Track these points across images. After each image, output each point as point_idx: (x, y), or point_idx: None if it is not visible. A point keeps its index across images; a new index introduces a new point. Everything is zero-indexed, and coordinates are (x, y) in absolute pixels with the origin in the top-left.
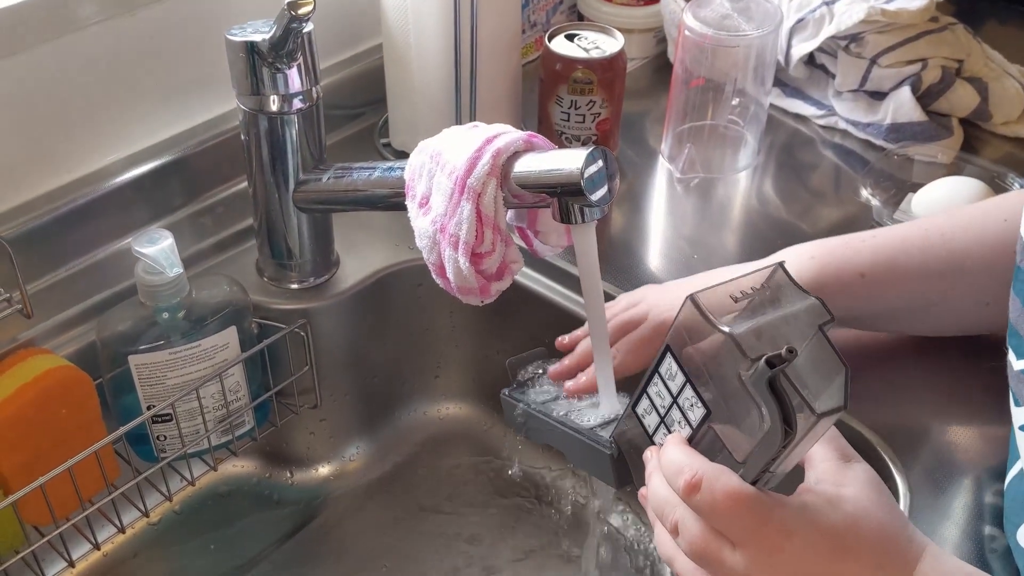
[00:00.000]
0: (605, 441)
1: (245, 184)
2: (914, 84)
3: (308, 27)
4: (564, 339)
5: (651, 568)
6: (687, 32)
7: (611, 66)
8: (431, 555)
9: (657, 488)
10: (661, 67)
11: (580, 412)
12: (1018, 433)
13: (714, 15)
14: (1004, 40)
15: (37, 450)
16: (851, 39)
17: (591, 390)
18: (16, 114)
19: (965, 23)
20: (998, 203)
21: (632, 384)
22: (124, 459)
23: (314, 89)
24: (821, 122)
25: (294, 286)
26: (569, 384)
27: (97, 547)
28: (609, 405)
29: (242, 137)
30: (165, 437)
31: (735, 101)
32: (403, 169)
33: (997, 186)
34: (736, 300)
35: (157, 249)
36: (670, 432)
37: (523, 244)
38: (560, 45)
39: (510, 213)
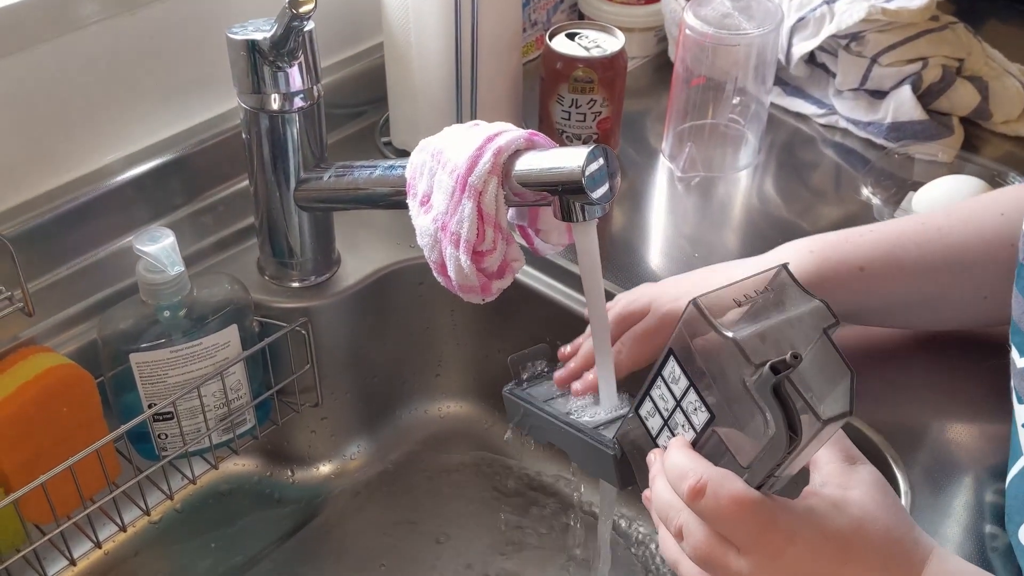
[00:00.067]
0: (608, 441)
1: (246, 183)
2: (915, 83)
3: (309, 25)
4: (566, 349)
5: (657, 570)
6: (688, 31)
7: (612, 65)
8: (431, 554)
9: (661, 492)
10: (662, 66)
11: (583, 410)
12: (1020, 431)
13: (715, 14)
14: (1004, 39)
15: (38, 448)
16: (852, 38)
17: (578, 375)
18: (17, 113)
19: (965, 22)
20: (995, 197)
21: (635, 383)
22: (125, 457)
23: (315, 88)
24: (822, 121)
25: (295, 284)
26: (576, 385)
27: (98, 545)
28: (609, 403)
29: (243, 136)
30: (166, 435)
31: (736, 100)
32: (404, 167)
33: (998, 185)
34: (739, 303)
35: (158, 247)
36: (673, 435)
37: (524, 242)
38: (561, 44)
39: (511, 211)
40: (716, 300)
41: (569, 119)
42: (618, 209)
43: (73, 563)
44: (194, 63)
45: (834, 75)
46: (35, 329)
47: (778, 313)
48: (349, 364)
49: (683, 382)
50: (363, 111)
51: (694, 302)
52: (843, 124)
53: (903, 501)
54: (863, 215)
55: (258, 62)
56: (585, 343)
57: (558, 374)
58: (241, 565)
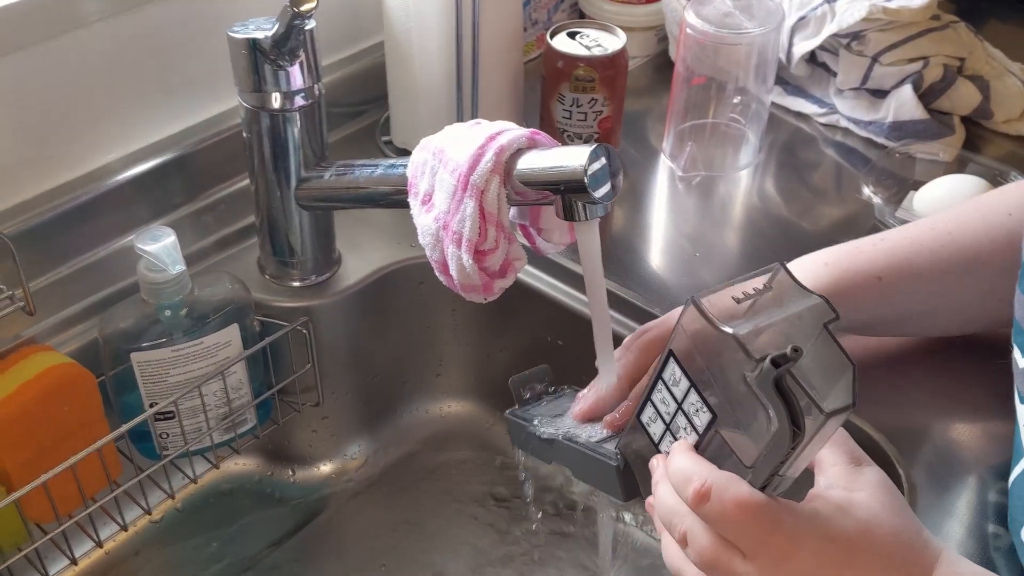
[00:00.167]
0: (610, 453)
1: (246, 182)
2: (916, 82)
3: (310, 24)
4: (583, 392)
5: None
6: (689, 30)
7: (613, 64)
8: (432, 553)
9: (664, 497)
10: (662, 65)
11: (584, 427)
12: (1023, 431)
13: (716, 13)
14: (1005, 38)
15: (40, 447)
16: (853, 37)
17: (599, 411)
18: (18, 112)
19: (966, 21)
20: (1001, 197)
21: None
22: (127, 456)
23: (316, 86)
24: (823, 120)
25: (296, 284)
26: (576, 409)
27: (100, 544)
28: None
29: (244, 134)
30: (167, 435)
31: (736, 99)
32: (405, 166)
33: (999, 184)
34: (739, 301)
35: (159, 246)
36: (676, 438)
37: (526, 242)
38: (562, 43)
39: (513, 210)
40: (715, 299)
41: (570, 118)
42: (619, 208)
43: (74, 562)
44: (195, 62)
45: (835, 74)
46: (36, 328)
47: (778, 310)
48: (350, 363)
49: (684, 383)
50: (363, 110)
51: (693, 300)
52: (844, 123)
53: (906, 500)
54: (864, 214)
55: (259, 61)
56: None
57: (578, 408)
58: (242, 564)
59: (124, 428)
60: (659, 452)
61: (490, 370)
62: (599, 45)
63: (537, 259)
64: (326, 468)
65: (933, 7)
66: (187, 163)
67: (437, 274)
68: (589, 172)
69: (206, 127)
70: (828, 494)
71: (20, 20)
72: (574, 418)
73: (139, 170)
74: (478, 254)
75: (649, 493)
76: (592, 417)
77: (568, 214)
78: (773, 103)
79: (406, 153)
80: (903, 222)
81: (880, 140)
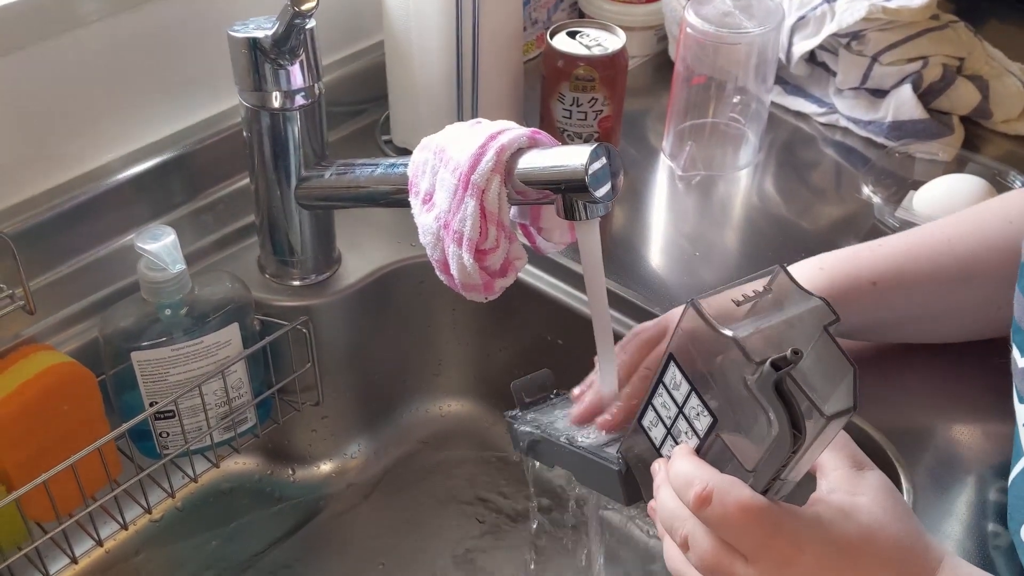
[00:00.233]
0: (612, 457)
1: (246, 181)
2: (915, 82)
3: (311, 23)
4: (576, 391)
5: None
6: (688, 30)
7: (613, 63)
8: (431, 553)
9: (666, 501)
10: (662, 65)
11: (586, 430)
12: (1022, 430)
13: (715, 12)
14: (1005, 38)
15: (40, 446)
16: (852, 37)
17: (597, 413)
18: (18, 111)
19: (966, 21)
20: (1001, 204)
21: None
22: (127, 456)
23: (316, 85)
24: (822, 120)
25: (296, 283)
26: (574, 412)
27: (100, 543)
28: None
29: (244, 134)
30: (167, 434)
31: (736, 99)
32: (406, 166)
33: (998, 183)
34: (738, 304)
35: (160, 245)
36: (677, 443)
37: (526, 241)
38: (562, 42)
39: (513, 210)
40: (715, 302)
41: (570, 117)
42: (619, 208)
43: (75, 561)
44: (195, 61)
45: (835, 74)
46: (36, 327)
47: (778, 312)
48: (350, 363)
49: (684, 387)
50: (363, 109)
51: (693, 303)
52: (844, 123)
53: (906, 501)
54: (863, 214)
55: (259, 60)
56: (594, 381)
57: (576, 411)
58: (242, 563)
59: (124, 427)
60: (661, 456)
61: (490, 369)
62: (599, 45)
63: (537, 258)
64: (326, 467)
65: (932, 7)
66: (187, 162)
67: (438, 273)
68: (590, 171)
69: (206, 126)
70: (830, 498)
71: (19, 20)
72: (571, 420)
73: (139, 169)
74: (479, 253)
75: (651, 497)
76: (591, 418)
77: (569, 213)
78: (773, 103)
79: (406, 152)
80: (903, 221)
81: (879, 140)
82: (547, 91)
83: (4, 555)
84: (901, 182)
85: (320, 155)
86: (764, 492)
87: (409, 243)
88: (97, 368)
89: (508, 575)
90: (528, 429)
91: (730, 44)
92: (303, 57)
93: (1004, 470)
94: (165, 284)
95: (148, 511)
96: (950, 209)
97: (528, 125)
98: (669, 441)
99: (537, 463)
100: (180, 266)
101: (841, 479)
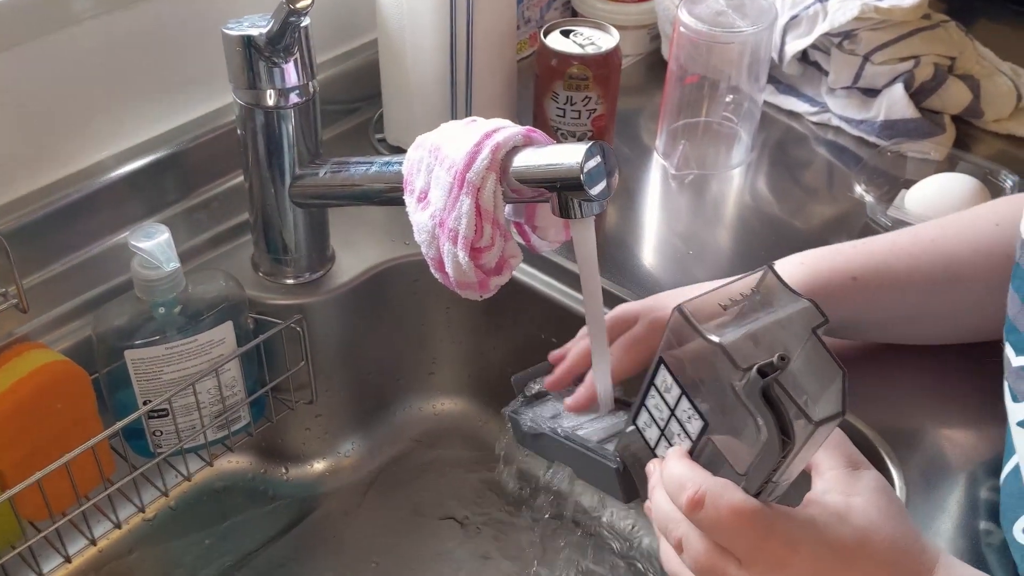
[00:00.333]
0: (610, 455)
1: (240, 179)
2: (907, 81)
3: (305, 21)
4: (555, 353)
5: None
6: (682, 29)
7: (607, 62)
8: (425, 551)
9: (660, 503)
10: (655, 64)
11: (586, 426)
12: (1015, 429)
13: (709, 12)
14: (996, 38)
15: (33, 446)
16: (844, 36)
17: (592, 401)
18: (11, 109)
19: (957, 21)
20: (990, 207)
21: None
22: (120, 455)
23: (311, 84)
24: (814, 119)
25: (290, 281)
26: (568, 400)
27: (93, 542)
28: (607, 404)
29: (238, 132)
30: (161, 432)
31: (729, 98)
32: (400, 164)
33: (990, 183)
34: (725, 308)
35: (154, 244)
36: (671, 444)
37: (521, 240)
38: (556, 41)
39: (508, 208)
40: (702, 305)
41: (564, 116)
42: (612, 206)
43: (68, 560)
44: (189, 59)
45: (827, 73)
46: (29, 326)
47: (766, 315)
48: (344, 361)
49: (675, 391)
50: (357, 108)
51: (679, 308)
52: (836, 122)
53: (901, 500)
54: (856, 213)
55: (254, 58)
56: (575, 346)
57: (549, 379)
58: (235, 562)
59: (118, 426)
60: (656, 456)
61: (484, 368)
62: (593, 43)
63: (532, 257)
64: (319, 466)
65: (924, 6)
66: (181, 160)
67: (432, 271)
68: (585, 169)
69: (200, 124)
70: (825, 499)
71: (13, 17)
72: (565, 408)
73: (133, 167)
74: (474, 251)
75: (648, 496)
76: (583, 409)
77: (564, 211)
78: (765, 102)
79: (400, 151)
80: (895, 220)
81: (871, 139)
82: (540, 90)
83: None
84: (893, 181)
85: (314, 153)
86: (757, 494)
87: (403, 241)
88: (90, 366)
89: (502, 573)
90: (528, 423)
91: (723, 43)
92: (297, 55)
93: (995, 468)
94: (159, 282)
95: (142, 510)
96: (942, 208)
97: (522, 124)
98: (663, 442)
99: (524, 452)
100: (174, 264)
101: (836, 479)
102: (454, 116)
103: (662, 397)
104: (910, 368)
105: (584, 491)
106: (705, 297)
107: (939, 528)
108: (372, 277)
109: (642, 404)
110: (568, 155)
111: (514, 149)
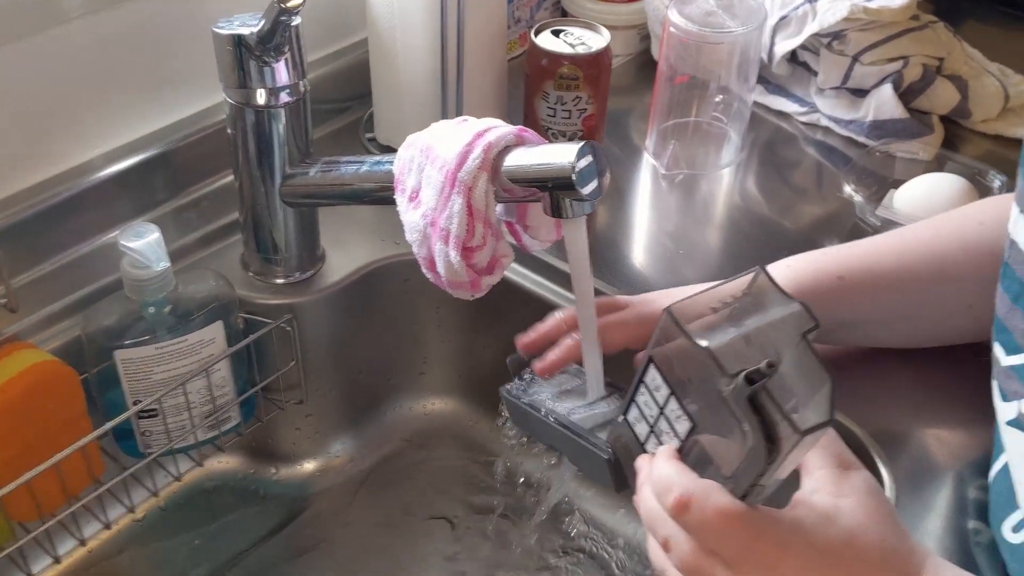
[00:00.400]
0: (603, 444)
1: (230, 178)
2: (895, 81)
3: (296, 20)
4: (525, 339)
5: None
6: (672, 29)
7: (597, 62)
8: (416, 551)
9: (648, 501)
10: (645, 64)
11: (581, 411)
12: (1004, 428)
13: (698, 12)
14: (983, 38)
15: (22, 446)
16: (833, 36)
17: (558, 367)
18: (0, 107)
19: (945, 21)
20: (977, 207)
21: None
22: (109, 455)
23: (301, 83)
24: (803, 119)
25: (280, 281)
26: (537, 363)
27: (83, 543)
28: (596, 395)
29: (228, 131)
30: (151, 432)
31: (719, 98)
32: (391, 163)
33: (978, 183)
34: (716, 310)
35: (144, 243)
36: (660, 442)
37: (512, 239)
38: (546, 41)
39: (499, 207)
40: (691, 306)
41: (555, 116)
42: (602, 206)
43: (57, 560)
44: (179, 58)
45: (816, 74)
46: (19, 325)
47: (756, 319)
48: (334, 361)
49: (664, 390)
50: (347, 107)
51: (668, 310)
52: (825, 122)
53: (890, 500)
54: (845, 212)
55: (244, 57)
56: (566, 339)
57: (539, 365)
58: (225, 562)
59: (108, 426)
60: (645, 452)
61: (475, 368)
62: (583, 43)
63: (522, 257)
64: (310, 466)
65: (913, 7)
66: (171, 159)
67: (424, 271)
68: (577, 169)
69: (190, 123)
70: (812, 500)
71: (1, 16)
72: (535, 371)
73: (123, 166)
74: (466, 251)
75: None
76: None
77: (555, 211)
78: (755, 102)
79: (390, 150)
80: (884, 220)
81: (860, 139)
82: (531, 90)
83: None
84: (882, 181)
85: (305, 152)
86: (745, 496)
87: (393, 241)
88: (80, 367)
89: (493, 573)
90: (525, 405)
91: (713, 43)
92: (288, 54)
93: (984, 468)
94: (149, 282)
95: (131, 510)
96: (930, 207)
97: (512, 123)
98: (652, 438)
99: (519, 433)
100: (164, 264)
101: (825, 479)
102: (444, 115)
103: (651, 395)
104: (899, 368)
105: (577, 490)
106: (695, 298)
107: (928, 527)
108: (362, 277)
109: (632, 400)
110: (560, 155)
111: (506, 149)
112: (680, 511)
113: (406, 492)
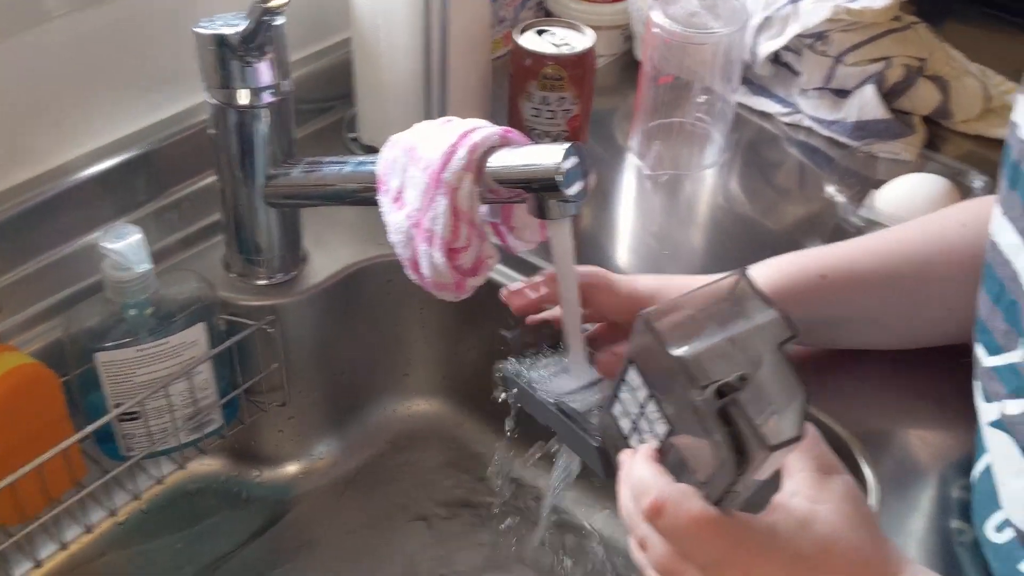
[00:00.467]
0: (595, 431)
1: (212, 179)
2: (878, 82)
3: (280, 20)
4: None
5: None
6: (655, 29)
7: (581, 62)
8: (399, 554)
9: (625, 501)
10: (628, 64)
11: (578, 394)
12: (986, 428)
13: (682, 12)
14: (965, 39)
15: (3, 449)
16: (816, 37)
17: (531, 309)
18: None
19: (927, 22)
20: (959, 208)
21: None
22: (91, 457)
23: (284, 83)
24: (786, 119)
25: (262, 282)
26: (503, 291)
27: (64, 547)
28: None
29: (210, 131)
30: (133, 435)
31: (702, 98)
32: (374, 164)
33: (959, 183)
34: (694, 316)
35: (125, 245)
36: (642, 439)
37: (497, 240)
38: (530, 41)
39: (484, 208)
40: (668, 314)
41: (539, 116)
42: (587, 206)
43: (38, 564)
44: (161, 57)
45: (799, 74)
46: None
47: (733, 326)
48: (317, 363)
49: (644, 391)
50: (330, 107)
51: (643, 317)
52: (807, 123)
53: (871, 498)
54: (827, 212)
55: (227, 57)
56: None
57: (518, 303)
58: (208, 565)
59: (89, 429)
60: (629, 446)
61: (459, 369)
62: (567, 43)
63: (506, 258)
64: (293, 468)
65: (895, 8)
66: (152, 159)
67: (407, 272)
68: (562, 170)
69: (172, 123)
70: (790, 504)
71: None
72: (502, 296)
73: (104, 166)
74: (450, 252)
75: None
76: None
77: (541, 212)
78: (738, 102)
79: (373, 150)
80: (866, 220)
81: (843, 139)
82: (515, 90)
83: None
84: (864, 181)
85: (288, 153)
86: (720, 500)
87: (376, 242)
88: (61, 369)
89: (479, 574)
90: (523, 383)
91: (696, 44)
92: (271, 54)
93: (966, 468)
94: (130, 283)
95: (113, 513)
96: (912, 208)
97: (497, 124)
98: (635, 435)
99: (516, 412)
100: (145, 265)
101: (804, 483)
102: (428, 115)
103: (632, 395)
104: (882, 369)
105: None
106: (674, 302)
107: (912, 527)
108: (345, 278)
109: (616, 395)
110: (545, 156)
111: (490, 149)
112: (654, 515)
113: (390, 494)
